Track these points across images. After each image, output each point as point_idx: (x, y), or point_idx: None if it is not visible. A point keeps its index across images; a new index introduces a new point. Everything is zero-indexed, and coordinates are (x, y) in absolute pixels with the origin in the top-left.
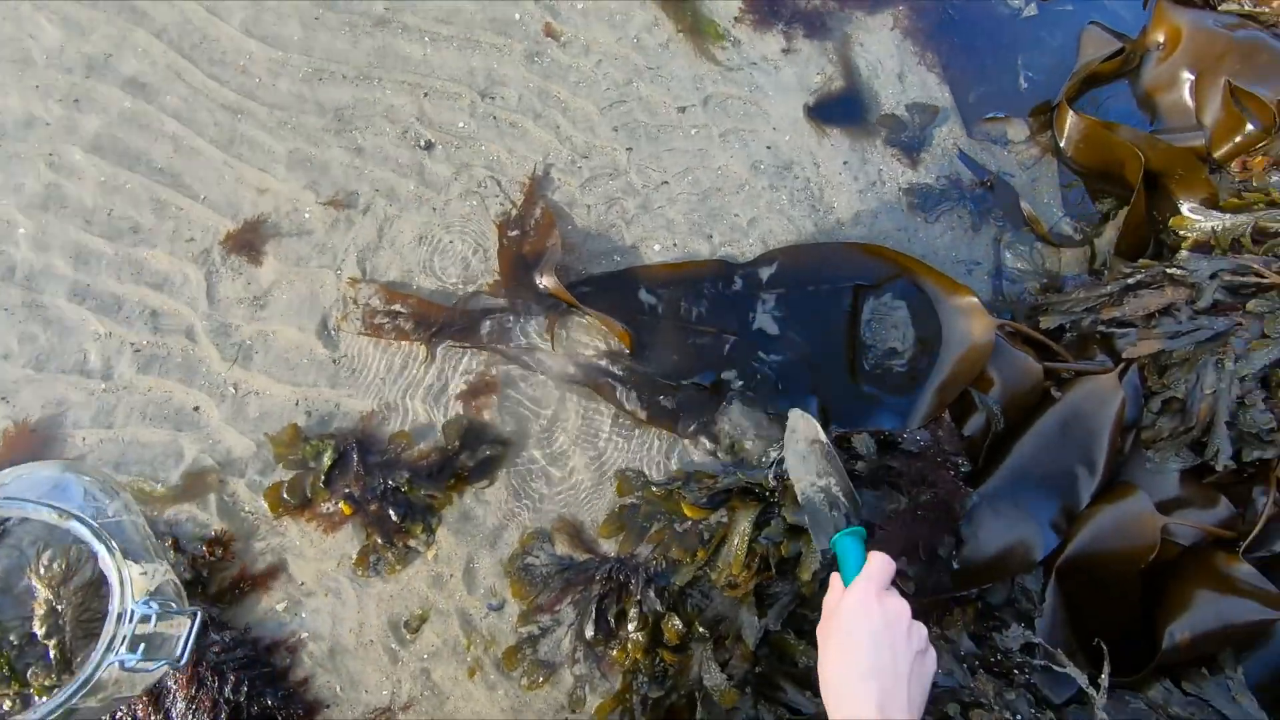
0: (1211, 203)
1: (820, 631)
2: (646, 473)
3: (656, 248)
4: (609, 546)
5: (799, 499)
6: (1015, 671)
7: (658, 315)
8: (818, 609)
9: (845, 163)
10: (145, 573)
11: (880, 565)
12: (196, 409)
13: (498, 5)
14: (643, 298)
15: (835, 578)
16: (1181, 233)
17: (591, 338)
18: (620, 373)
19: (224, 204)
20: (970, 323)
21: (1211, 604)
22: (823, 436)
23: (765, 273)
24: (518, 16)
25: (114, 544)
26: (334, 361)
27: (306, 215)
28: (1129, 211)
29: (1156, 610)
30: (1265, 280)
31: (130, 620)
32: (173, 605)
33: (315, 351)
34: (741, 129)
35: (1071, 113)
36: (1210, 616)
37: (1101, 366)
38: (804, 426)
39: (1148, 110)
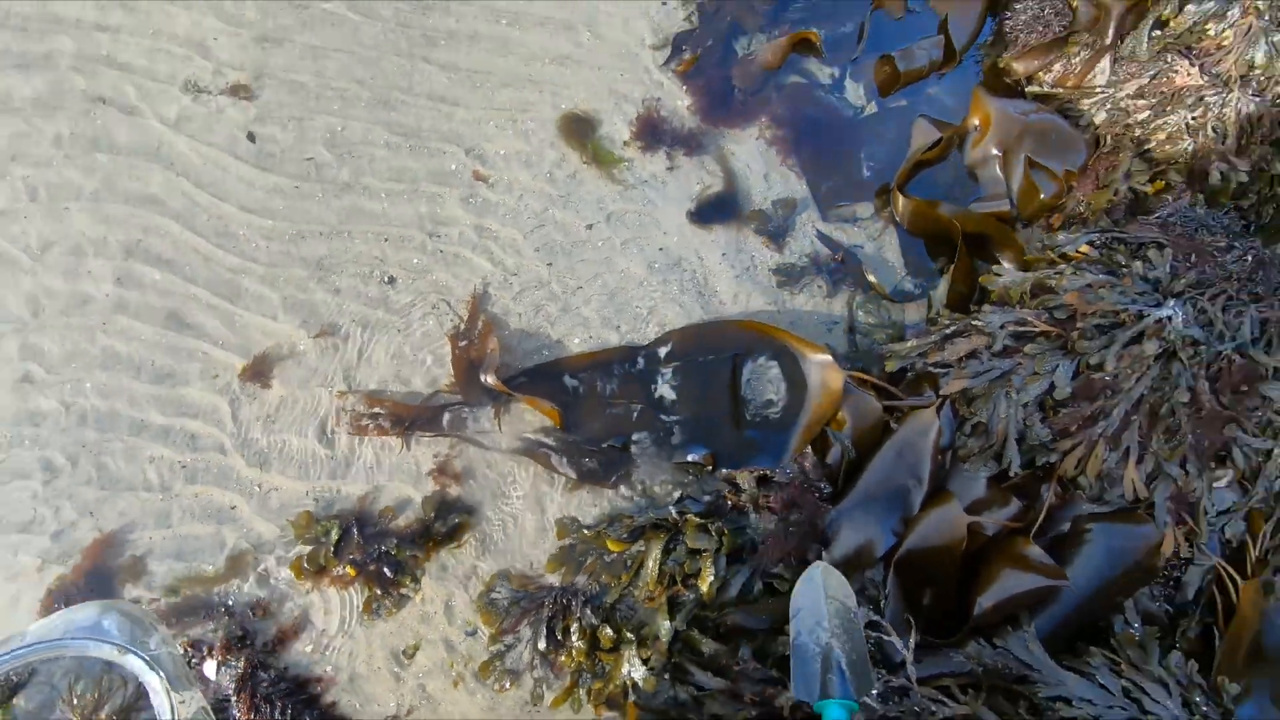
0: (1018, 257)
1: None
2: (580, 519)
3: (576, 341)
4: (554, 578)
5: (791, 641)
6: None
7: (579, 395)
8: (719, 611)
9: (724, 254)
10: (183, 701)
11: None
12: (233, 507)
13: (435, 160)
14: (566, 382)
15: None
16: (989, 287)
17: (530, 418)
18: (554, 443)
19: (237, 346)
20: (825, 375)
21: (1010, 578)
22: (849, 600)
23: (662, 351)
24: (453, 168)
25: (162, 674)
26: (332, 458)
27: (301, 347)
28: (953, 270)
29: (971, 586)
30: (1036, 329)
31: None
32: None
33: (317, 452)
34: (638, 237)
35: (901, 197)
36: (1009, 587)
37: (926, 400)
38: (831, 582)
39: (972, 181)
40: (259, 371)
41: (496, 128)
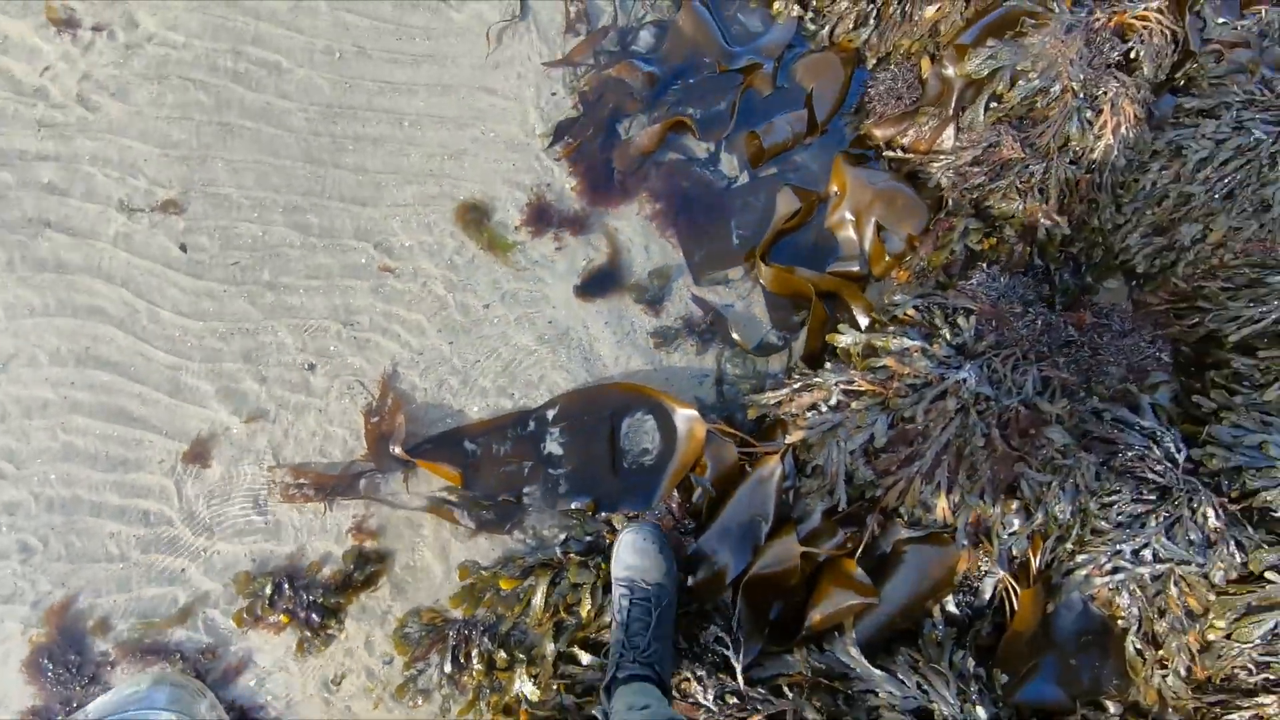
0: (868, 311)
1: None
2: (480, 561)
3: (475, 409)
4: (457, 613)
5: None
6: (708, 654)
7: (477, 456)
8: (596, 630)
9: (606, 322)
10: None
11: None
12: (183, 570)
13: (348, 255)
14: (466, 446)
15: None
16: (834, 345)
17: (435, 479)
18: (456, 499)
19: (179, 433)
20: (691, 427)
21: (835, 595)
22: None
23: (550, 414)
24: (363, 261)
25: None
26: (265, 523)
27: (234, 431)
28: (808, 327)
29: (807, 602)
30: (862, 388)
31: None
32: None
33: (253, 519)
34: (530, 313)
35: (763, 265)
36: (835, 602)
37: (774, 446)
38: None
39: (830, 242)
40: (199, 454)
41: (401, 223)
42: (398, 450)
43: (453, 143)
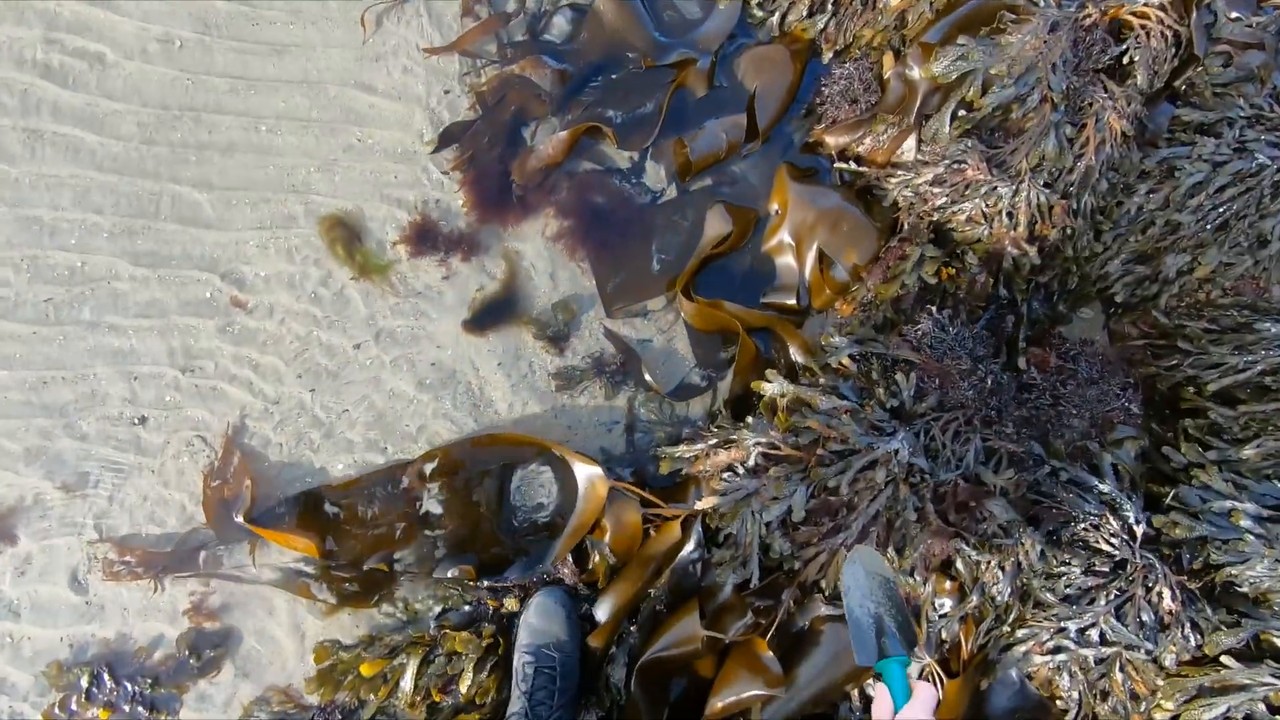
0: (805, 351)
1: None
2: (341, 639)
3: (340, 467)
4: (314, 698)
5: (846, 615)
6: None
7: (340, 520)
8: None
9: (500, 363)
10: None
11: (928, 696)
12: None
13: (189, 289)
14: (327, 509)
15: (882, 691)
16: (760, 393)
17: (288, 549)
18: (313, 570)
19: None
20: (593, 485)
21: (741, 681)
22: (887, 572)
23: (428, 468)
24: (208, 295)
25: None
26: (86, 604)
27: (47, 498)
28: (735, 367)
29: (713, 681)
30: (782, 453)
31: None
32: None
33: (70, 599)
34: (410, 353)
35: (685, 300)
36: (739, 689)
37: (683, 510)
38: (869, 560)
39: (767, 268)
40: (2, 528)
41: (257, 248)
42: (239, 520)
43: (320, 151)
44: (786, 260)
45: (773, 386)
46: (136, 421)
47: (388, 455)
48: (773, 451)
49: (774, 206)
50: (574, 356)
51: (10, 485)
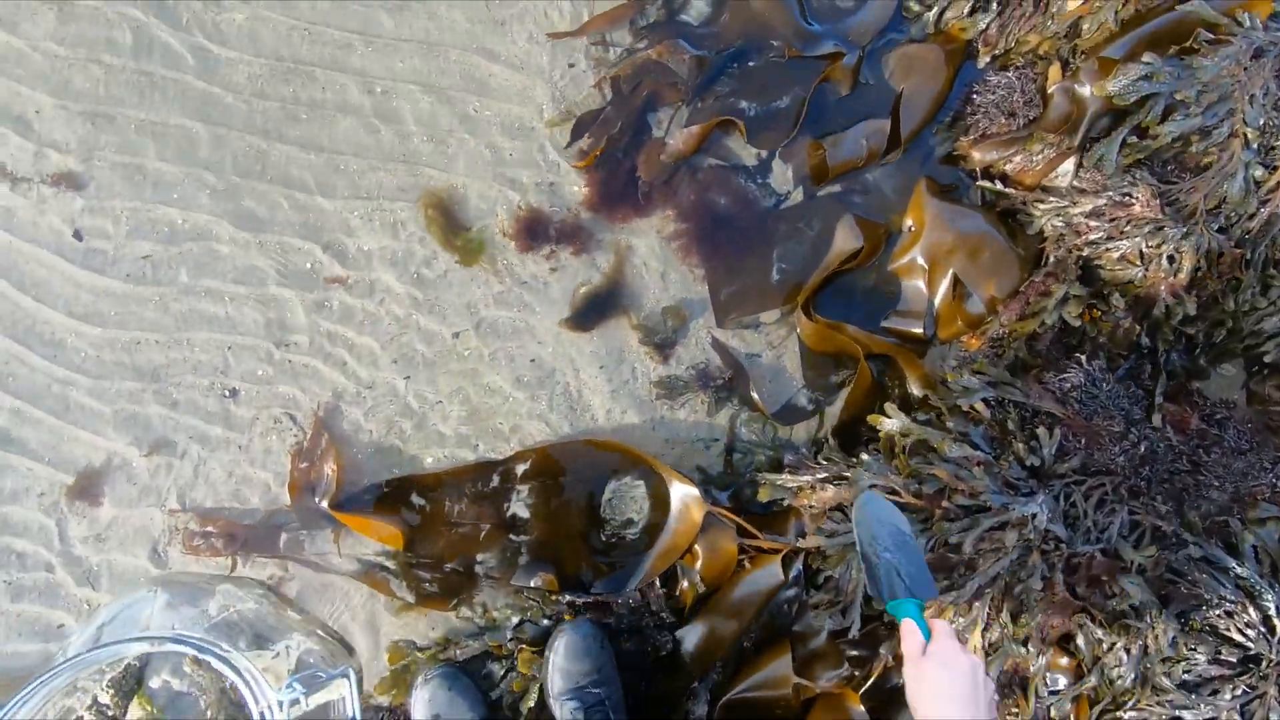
0: (926, 385)
1: (913, 690)
2: (415, 640)
3: (429, 460)
4: (384, 699)
5: (859, 551)
6: None
7: (426, 514)
8: None
9: (602, 366)
10: (278, 654)
11: (949, 628)
12: (60, 626)
13: (290, 258)
14: (414, 500)
15: (910, 626)
16: (877, 428)
17: (372, 538)
18: (394, 566)
19: (63, 462)
20: (688, 507)
21: None
22: (900, 523)
23: (520, 468)
24: (308, 267)
25: (223, 648)
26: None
27: (134, 464)
28: (848, 396)
29: None
30: (901, 499)
31: (281, 710)
32: (320, 675)
33: (148, 571)
34: (510, 347)
35: (804, 318)
36: None
37: (783, 544)
38: (878, 509)
39: (892, 289)
40: (87, 489)
41: (361, 219)
42: (324, 505)
43: (436, 120)
44: (915, 284)
45: (893, 423)
46: (227, 394)
47: (478, 453)
48: (891, 498)
49: (908, 223)
50: (678, 366)
51: (97, 449)
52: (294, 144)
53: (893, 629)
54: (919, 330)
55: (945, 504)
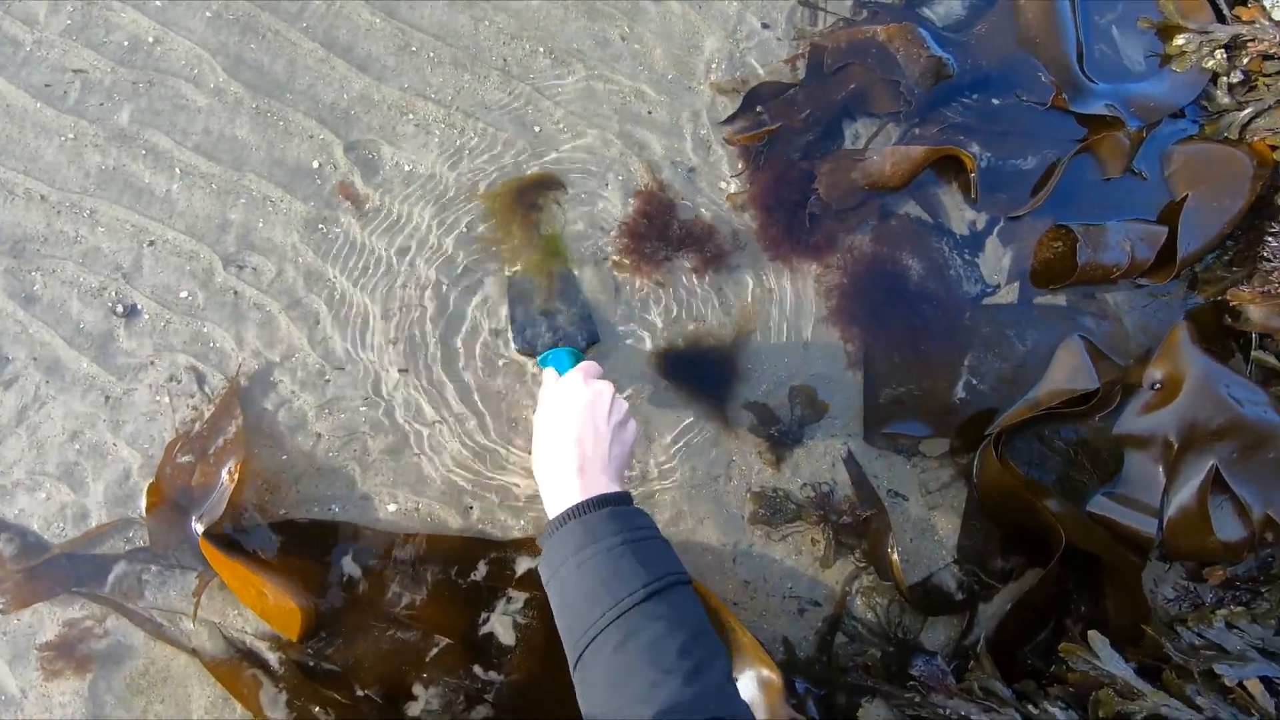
0: (1133, 610)
1: (536, 416)
2: None
3: (392, 507)
4: None
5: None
6: None
7: (354, 589)
8: None
9: (685, 444)
10: None
11: (589, 364)
12: None
13: (293, 144)
14: (345, 566)
15: (549, 373)
16: (1068, 664)
17: (248, 606)
18: (276, 663)
19: None
20: (761, 700)
21: None
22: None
23: (521, 565)
24: (315, 164)
25: None
26: None
27: None
28: (1020, 597)
29: None
30: None
31: None
32: None
33: None
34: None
35: (986, 457)
36: None
37: None
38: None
39: (1110, 454)
40: None
41: (415, 127)
42: (198, 528)
43: (564, 31)
44: (1148, 461)
45: (1086, 664)
46: (122, 311)
47: (469, 520)
48: None
49: (1155, 375)
50: (793, 478)
51: None
52: None
53: None
54: (1143, 529)
55: None
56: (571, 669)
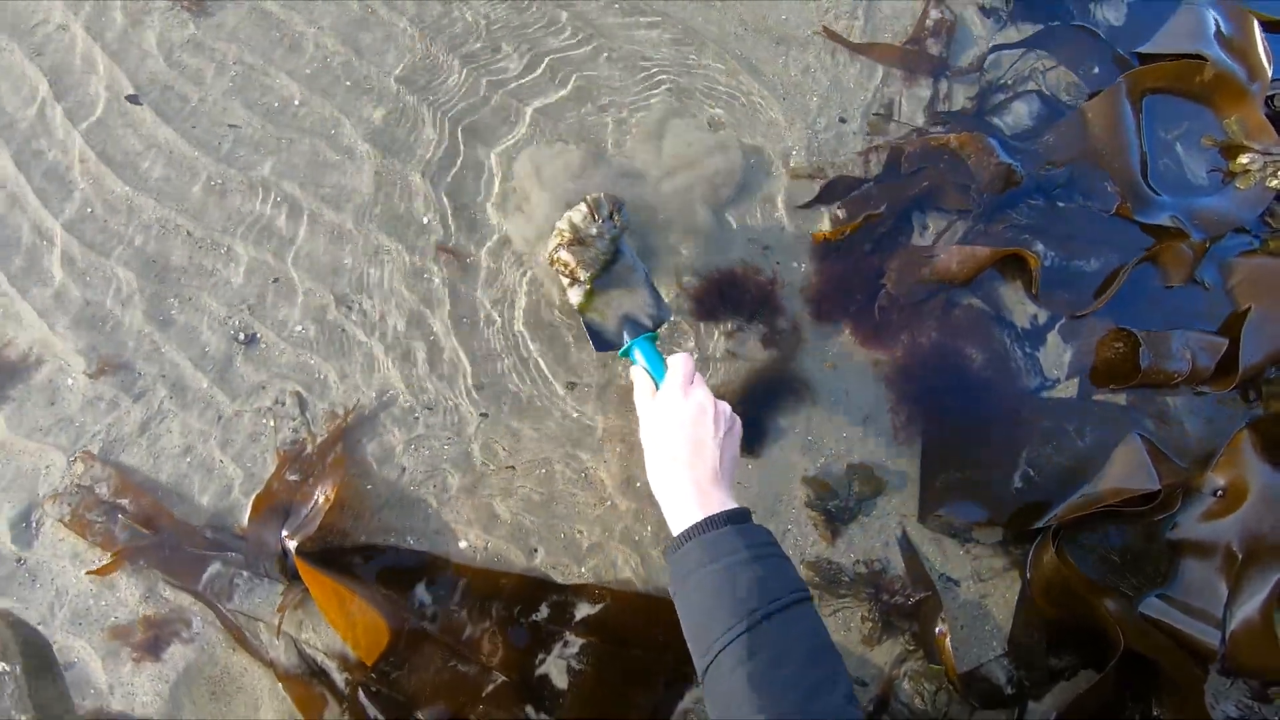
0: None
1: (642, 434)
2: None
3: (463, 544)
4: None
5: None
6: None
7: (425, 619)
8: None
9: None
10: None
11: (681, 364)
12: None
13: (408, 203)
14: (420, 594)
15: (639, 373)
16: None
17: (329, 628)
18: (343, 684)
19: None
20: None
21: None
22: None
23: (580, 610)
24: (426, 220)
25: None
26: (16, 561)
27: (69, 381)
28: (1074, 698)
29: None
30: None
31: None
32: None
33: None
34: (632, 429)
35: (1053, 551)
36: None
37: None
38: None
39: (1168, 562)
40: None
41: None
42: (290, 543)
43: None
44: (1208, 572)
45: None
46: (243, 339)
47: (534, 560)
48: None
49: (1217, 482)
50: (846, 553)
51: (32, 335)
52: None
53: None
54: (1204, 639)
55: None
56: (700, 680)
